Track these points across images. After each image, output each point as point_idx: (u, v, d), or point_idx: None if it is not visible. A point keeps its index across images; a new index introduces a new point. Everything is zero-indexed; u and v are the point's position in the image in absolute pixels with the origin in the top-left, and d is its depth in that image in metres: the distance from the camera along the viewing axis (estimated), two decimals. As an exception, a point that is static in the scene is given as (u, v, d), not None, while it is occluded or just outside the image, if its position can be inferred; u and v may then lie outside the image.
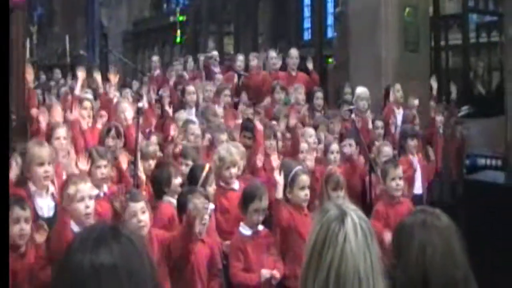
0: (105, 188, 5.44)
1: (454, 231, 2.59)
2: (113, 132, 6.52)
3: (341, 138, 7.85)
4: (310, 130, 7.57)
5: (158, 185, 5.31)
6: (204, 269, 4.82)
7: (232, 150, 5.94)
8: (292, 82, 9.61)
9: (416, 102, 8.98)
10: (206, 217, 4.78)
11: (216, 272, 5.00)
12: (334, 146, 7.11)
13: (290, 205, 5.37)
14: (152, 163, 6.05)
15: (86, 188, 4.62)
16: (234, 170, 5.77)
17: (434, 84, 9.33)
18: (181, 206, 4.79)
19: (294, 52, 10.14)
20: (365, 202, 6.63)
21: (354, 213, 2.18)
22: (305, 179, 5.44)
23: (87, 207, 4.55)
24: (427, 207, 2.80)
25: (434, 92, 9.35)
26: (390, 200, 5.95)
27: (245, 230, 5.11)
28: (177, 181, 5.39)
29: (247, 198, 5.10)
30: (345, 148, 7.34)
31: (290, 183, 5.41)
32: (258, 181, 5.59)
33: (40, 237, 4.29)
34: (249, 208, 5.04)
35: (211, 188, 5.38)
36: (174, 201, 5.11)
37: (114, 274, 1.69)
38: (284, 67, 10.22)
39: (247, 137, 7.25)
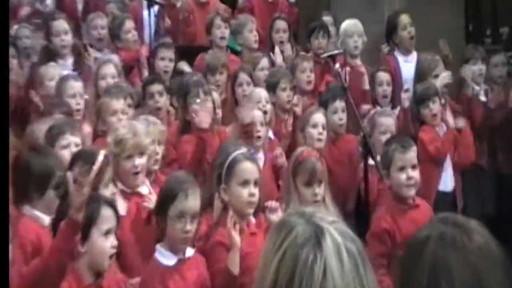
0: None
1: (490, 256, 2.16)
2: None
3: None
4: (259, 92, 6.73)
5: (23, 187, 4.67)
6: None
7: (137, 128, 5.33)
8: (269, 11, 8.80)
9: (446, 46, 7.82)
10: (115, 242, 4.34)
11: None
12: (319, 116, 6.29)
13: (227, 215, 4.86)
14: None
15: None
16: (140, 161, 5.16)
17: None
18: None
19: None
20: (360, 205, 6.25)
21: (334, 228, 1.94)
22: (249, 168, 4.90)
23: None
24: (456, 215, 2.32)
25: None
26: (398, 204, 5.41)
27: (165, 258, 4.55)
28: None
29: (166, 198, 4.60)
30: (335, 116, 6.66)
31: (225, 176, 4.92)
32: (184, 173, 5.07)
33: None
34: (169, 213, 4.50)
35: (108, 191, 4.87)
36: (42, 215, 4.63)
37: None
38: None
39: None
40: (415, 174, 5.43)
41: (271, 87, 6.94)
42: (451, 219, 2.30)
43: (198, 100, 6.02)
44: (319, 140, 6.20)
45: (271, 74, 7.24)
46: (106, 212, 4.33)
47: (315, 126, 6.23)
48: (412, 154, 5.52)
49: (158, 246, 4.58)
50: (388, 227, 5.24)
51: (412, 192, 5.43)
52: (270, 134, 6.56)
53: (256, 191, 4.84)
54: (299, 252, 1.89)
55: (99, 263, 4.29)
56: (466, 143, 6.98)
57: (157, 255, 4.57)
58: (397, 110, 7.15)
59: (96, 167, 4.52)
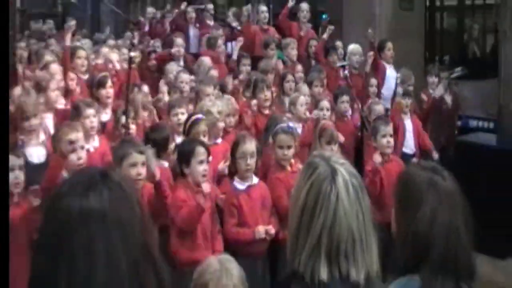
0: (96, 141, 6.02)
1: (460, 197, 2.65)
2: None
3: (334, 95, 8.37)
4: (305, 88, 8.17)
5: (154, 147, 5.48)
6: (208, 223, 5.23)
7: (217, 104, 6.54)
8: (301, 37, 10.58)
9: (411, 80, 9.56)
10: (206, 168, 5.21)
11: (217, 228, 5.37)
12: (324, 103, 7.50)
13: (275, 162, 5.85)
14: (145, 113, 6.73)
15: (78, 138, 5.07)
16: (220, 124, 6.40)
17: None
18: (185, 155, 5.24)
19: (305, 5, 11.00)
20: (357, 161, 7.11)
21: (343, 168, 2.29)
22: (283, 138, 5.81)
23: (79, 158, 5.04)
24: (434, 164, 2.80)
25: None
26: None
27: (240, 185, 5.42)
28: (172, 146, 5.81)
29: (234, 145, 5.48)
30: (342, 105, 7.92)
31: (272, 139, 5.89)
32: (244, 131, 6.16)
33: (35, 201, 4.74)
34: (236, 155, 5.39)
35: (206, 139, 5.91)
36: (166, 164, 5.62)
37: (103, 220, 1.77)
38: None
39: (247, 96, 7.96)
40: (391, 140, 6.37)
41: (310, 83, 8.38)
42: (433, 167, 2.72)
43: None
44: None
45: (309, 75, 8.73)
46: (200, 149, 5.16)
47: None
48: (390, 127, 6.45)
49: (235, 177, 5.46)
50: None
51: (390, 150, 6.37)
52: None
53: (288, 152, 5.75)
54: (321, 185, 2.23)
55: (196, 181, 5.07)
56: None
57: (234, 182, 5.43)
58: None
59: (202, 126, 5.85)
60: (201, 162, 5.13)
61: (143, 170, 4.82)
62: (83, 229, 1.75)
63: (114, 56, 8.64)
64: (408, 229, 2.59)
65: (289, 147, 5.76)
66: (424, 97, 9.38)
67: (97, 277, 1.72)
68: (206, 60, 9.30)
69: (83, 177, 1.85)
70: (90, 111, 5.98)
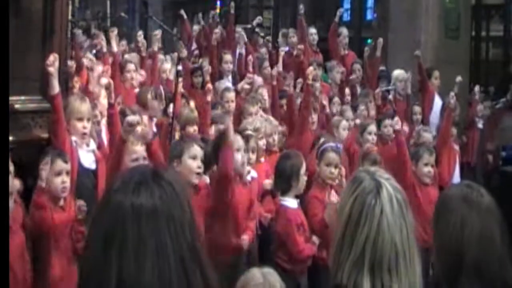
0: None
1: (495, 211, 2.71)
2: (151, 93, 7.19)
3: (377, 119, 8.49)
4: (349, 113, 8.21)
5: (207, 162, 5.50)
6: (243, 212, 5.40)
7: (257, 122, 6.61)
8: (342, 60, 10.75)
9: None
10: (243, 156, 5.33)
11: (253, 215, 5.55)
12: (372, 127, 7.61)
13: (318, 180, 5.93)
14: (193, 129, 6.61)
15: (139, 150, 5.19)
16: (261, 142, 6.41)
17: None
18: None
19: (345, 31, 11.18)
20: None
21: (388, 183, 2.30)
22: (332, 156, 5.89)
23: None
24: (472, 182, 2.91)
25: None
26: (419, 183, 6.52)
27: (291, 203, 5.54)
28: None
29: (297, 164, 5.54)
30: (385, 129, 8.02)
31: (319, 157, 5.96)
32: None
33: (80, 215, 4.82)
34: (300, 172, 5.51)
35: (254, 156, 6.01)
36: (207, 179, 5.57)
37: (153, 217, 1.82)
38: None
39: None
40: (433, 170, 6.58)
41: (355, 107, 8.29)
42: (470, 184, 2.83)
43: None
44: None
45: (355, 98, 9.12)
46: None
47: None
48: (433, 157, 6.64)
49: (283, 198, 5.55)
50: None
51: (429, 180, 6.54)
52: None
53: (334, 171, 5.86)
54: (366, 198, 2.26)
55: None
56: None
57: (285, 203, 5.52)
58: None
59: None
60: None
61: (202, 164, 4.98)
62: (134, 225, 1.80)
63: (167, 65, 8.89)
64: (442, 241, 2.68)
65: (336, 166, 5.85)
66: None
67: (146, 271, 1.77)
68: (258, 79, 9.40)
69: (135, 174, 1.90)
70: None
